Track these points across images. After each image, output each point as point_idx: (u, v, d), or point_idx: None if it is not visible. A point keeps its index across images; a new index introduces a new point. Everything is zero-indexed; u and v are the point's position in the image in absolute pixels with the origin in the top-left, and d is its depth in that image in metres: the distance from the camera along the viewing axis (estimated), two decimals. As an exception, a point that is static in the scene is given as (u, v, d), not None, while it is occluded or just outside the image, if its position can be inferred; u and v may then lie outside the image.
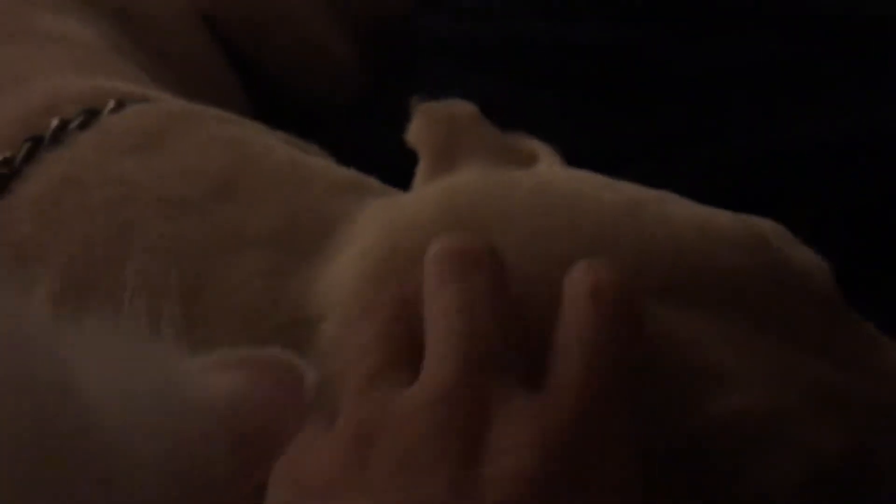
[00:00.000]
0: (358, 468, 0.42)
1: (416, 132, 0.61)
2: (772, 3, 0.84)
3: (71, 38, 0.72)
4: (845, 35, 0.81)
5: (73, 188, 0.58)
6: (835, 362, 0.51)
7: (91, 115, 0.62)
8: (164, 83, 0.72)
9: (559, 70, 0.84)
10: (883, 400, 0.51)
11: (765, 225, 0.54)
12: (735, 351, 0.50)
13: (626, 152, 0.73)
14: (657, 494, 0.49)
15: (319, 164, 0.61)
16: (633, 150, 0.77)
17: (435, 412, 0.43)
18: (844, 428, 0.50)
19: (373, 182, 0.61)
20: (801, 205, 0.68)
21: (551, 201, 0.53)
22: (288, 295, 0.53)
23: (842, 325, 0.52)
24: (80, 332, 0.33)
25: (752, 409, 0.48)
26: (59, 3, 0.75)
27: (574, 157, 0.60)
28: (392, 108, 0.64)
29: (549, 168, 0.59)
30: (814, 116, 0.78)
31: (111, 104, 0.63)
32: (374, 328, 0.47)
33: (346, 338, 0.49)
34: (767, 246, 0.53)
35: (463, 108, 0.62)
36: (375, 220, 0.55)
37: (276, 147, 0.61)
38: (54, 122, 0.61)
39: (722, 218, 0.53)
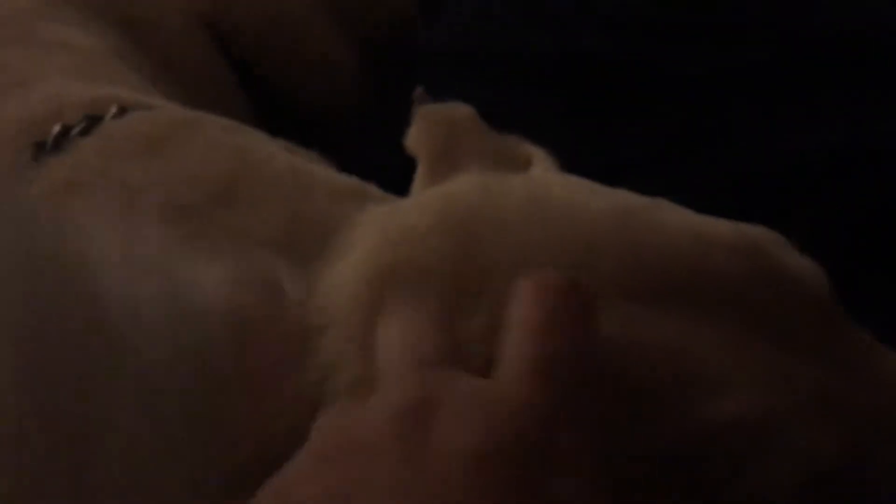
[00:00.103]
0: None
1: (415, 135, 0.62)
2: (770, 15, 0.85)
3: (74, 45, 0.73)
4: (842, 45, 0.82)
5: (76, 193, 0.59)
6: (830, 368, 0.51)
7: (93, 121, 0.62)
8: (168, 90, 0.73)
9: (559, 78, 0.85)
10: (878, 405, 0.52)
11: (759, 232, 0.54)
12: (731, 356, 0.50)
13: (626, 160, 0.74)
14: (656, 496, 0.49)
15: (320, 171, 0.62)
16: (632, 158, 0.77)
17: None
18: (840, 432, 0.50)
19: (373, 189, 0.61)
20: (799, 212, 0.68)
21: (544, 210, 0.54)
22: (288, 301, 0.54)
23: (837, 332, 0.53)
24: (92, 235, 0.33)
25: (748, 414, 0.49)
26: (63, 11, 0.76)
27: (574, 165, 0.61)
28: (392, 115, 0.64)
29: (543, 174, 0.60)
30: (811, 125, 0.79)
31: (113, 110, 0.63)
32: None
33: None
34: (762, 253, 0.53)
35: (461, 112, 0.62)
36: (375, 226, 0.55)
37: (276, 154, 0.62)
38: (56, 128, 0.62)
39: (716, 225, 0.54)
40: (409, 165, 0.62)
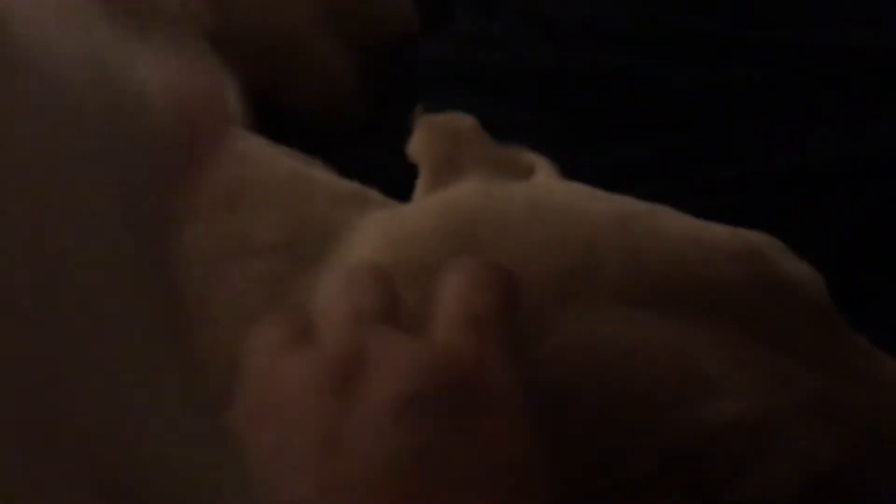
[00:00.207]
0: None
1: (418, 144, 0.62)
2: (767, 33, 0.85)
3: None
4: (837, 64, 0.83)
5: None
6: (828, 372, 0.52)
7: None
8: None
9: (558, 92, 0.85)
10: (876, 408, 0.52)
11: (758, 237, 0.55)
12: (730, 358, 0.50)
13: (624, 175, 0.74)
14: (656, 496, 0.49)
15: (322, 176, 0.62)
16: (630, 174, 0.77)
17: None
18: (838, 436, 0.50)
19: (374, 194, 0.62)
20: (795, 226, 0.69)
21: (545, 214, 0.54)
22: (290, 301, 0.54)
23: (835, 336, 0.53)
24: None
25: (747, 415, 0.49)
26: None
27: (572, 178, 0.61)
28: (394, 130, 0.65)
29: (545, 181, 0.60)
30: (806, 141, 0.79)
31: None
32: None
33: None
34: (761, 257, 0.53)
35: (463, 121, 0.63)
36: (376, 230, 0.56)
37: (279, 159, 0.62)
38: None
39: (716, 230, 0.54)
40: (410, 173, 0.62)
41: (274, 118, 0.85)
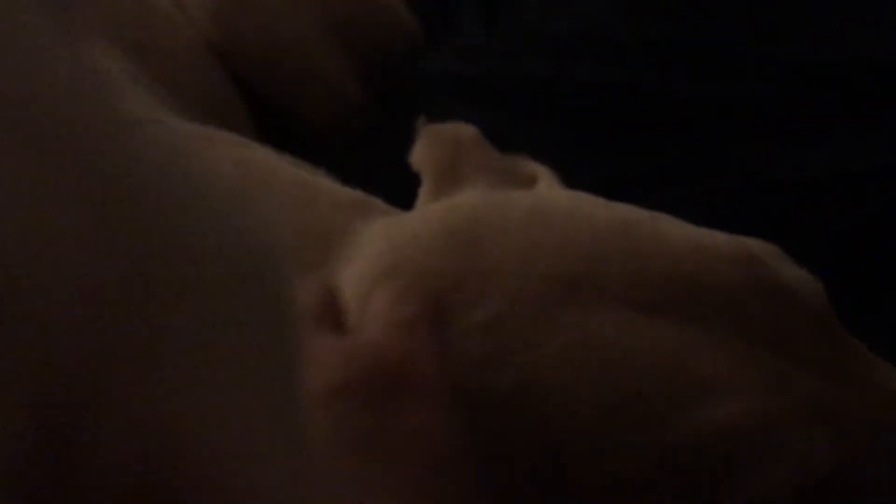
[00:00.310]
0: None
1: (420, 153, 0.63)
2: (767, 46, 0.86)
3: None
4: (838, 75, 0.83)
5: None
6: (825, 376, 0.52)
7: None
8: (179, 111, 0.74)
9: (559, 104, 0.86)
10: (872, 413, 0.52)
11: (757, 244, 0.55)
12: (727, 362, 0.51)
13: (625, 186, 0.75)
14: (655, 497, 0.50)
15: (325, 183, 0.63)
16: (630, 184, 0.78)
17: None
18: (835, 439, 0.51)
19: (377, 202, 0.62)
20: (794, 235, 0.69)
21: (548, 219, 0.55)
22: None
23: (833, 341, 0.54)
24: None
25: (744, 418, 0.50)
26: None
27: (574, 189, 0.62)
28: (397, 140, 0.65)
29: (547, 189, 0.61)
30: (806, 152, 0.80)
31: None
32: None
33: None
34: (760, 263, 0.54)
35: (465, 131, 0.63)
36: (379, 235, 0.56)
37: (283, 167, 0.63)
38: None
39: (715, 237, 0.55)
40: (413, 183, 0.62)
41: (279, 128, 0.85)
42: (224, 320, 0.28)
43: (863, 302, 0.65)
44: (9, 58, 0.24)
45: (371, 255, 0.55)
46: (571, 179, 0.63)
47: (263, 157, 0.64)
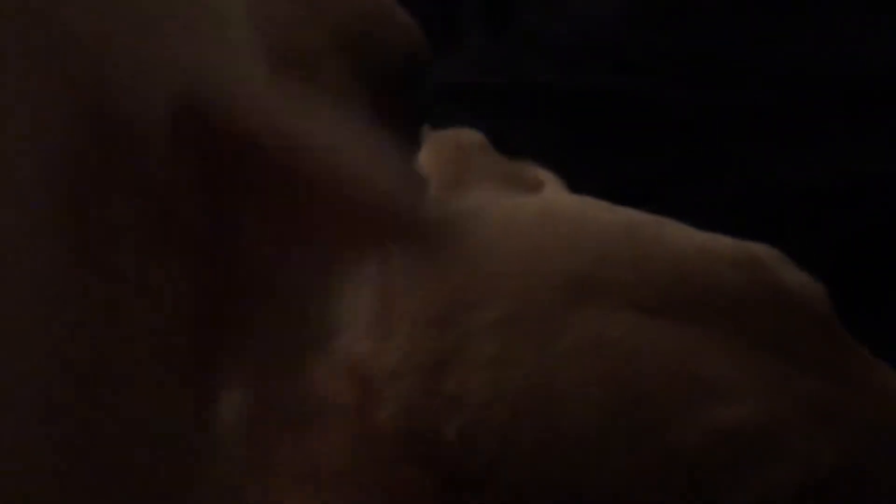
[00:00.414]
0: None
1: (426, 158, 0.63)
2: (767, 54, 0.87)
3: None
4: (837, 83, 0.84)
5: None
6: (828, 379, 0.53)
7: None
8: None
9: (563, 112, 0.86)
10: (875, 417, 0.53)
11: (761, 248, 0.56)
12: (731, 364, 0.51)
13: (626, 189, 0.75)
14: (659, 498, 0.50)
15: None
16: (632, 187, 0.78)
17: None
18: (838, 442, 0.51)
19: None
20: (795, 242, 0.70)
21: (555, 221, 0.55)
22: None
23: (836, 344, 0.54)
24: None
25: (747, 420, 0.50)
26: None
27: (577, 193, 0.62)
28: (402, 149, 0.66)
29: (553, 193, 0.61)
30: (806, 159, 0.80)
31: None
32: None
33: None
34: (763, 267, 0.55)
35: (471, 136, 0.64)
36: None
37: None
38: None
39: (719, 240, 0.56)
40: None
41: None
42: None
43: (862, 306, 0.66)
44: None
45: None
46: (574, 184, 0.63)
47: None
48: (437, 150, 0.63)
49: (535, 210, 0.56)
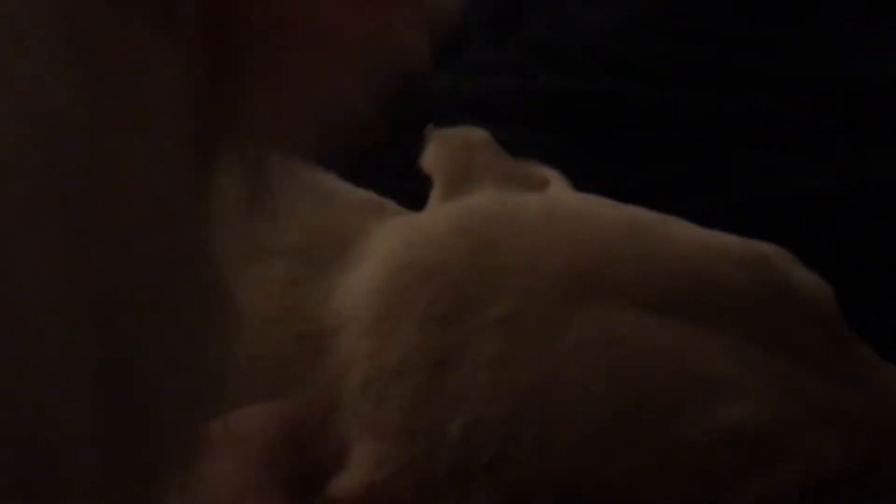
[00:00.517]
0: None
1: (431, 156, 0.63)
2: (770, 62, 0.87)
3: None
4: (839, 91, 0.84)
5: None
6: (834, 379, 0.52)
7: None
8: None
9: (567, 119, 0.86)
10: (879, 418, 0.53)
11: (767, 247, 0.56)
12: (736, 363, 0.51)
13: (630, 197, 0.75)
14: (664, 496, 0.50)
15: (339, 184, 0.63)
16: (636, 195, 0.78)
17: None
18: (843, 442, 0.51)
19: (390, 203, 0.62)
20: (793, 249, 0.70)
21: (559, 220, 0.55)
22: (307, 304, 0.55)
23: (842, 345, 0.54)
24: None
25: (751, 419, 0.50)
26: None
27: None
28: (406, 156, 0.66)
29: (558, 191, 0.61)
30: (808, 166, 0.80)
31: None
32: None
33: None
34: (770, 266, 0.54)
35: (476, 135, 0.64)
36: (391, 235, 0.57)
37: (296, 168, 0.63)
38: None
39: (725, 239, 0.55)
40: (420, 194, 0.63)
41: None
42: None
43: (864, 309, 0.66)
44: None
45: (383, 252, 0.55)
46: (579, 188, 0.63)
47: (279, 160, 0.64)
48: (442, 147, 0.63)
49: (540, 207, 0.56)
